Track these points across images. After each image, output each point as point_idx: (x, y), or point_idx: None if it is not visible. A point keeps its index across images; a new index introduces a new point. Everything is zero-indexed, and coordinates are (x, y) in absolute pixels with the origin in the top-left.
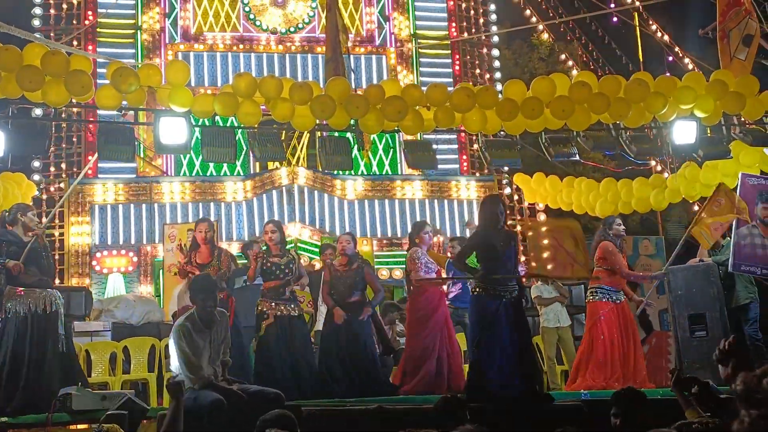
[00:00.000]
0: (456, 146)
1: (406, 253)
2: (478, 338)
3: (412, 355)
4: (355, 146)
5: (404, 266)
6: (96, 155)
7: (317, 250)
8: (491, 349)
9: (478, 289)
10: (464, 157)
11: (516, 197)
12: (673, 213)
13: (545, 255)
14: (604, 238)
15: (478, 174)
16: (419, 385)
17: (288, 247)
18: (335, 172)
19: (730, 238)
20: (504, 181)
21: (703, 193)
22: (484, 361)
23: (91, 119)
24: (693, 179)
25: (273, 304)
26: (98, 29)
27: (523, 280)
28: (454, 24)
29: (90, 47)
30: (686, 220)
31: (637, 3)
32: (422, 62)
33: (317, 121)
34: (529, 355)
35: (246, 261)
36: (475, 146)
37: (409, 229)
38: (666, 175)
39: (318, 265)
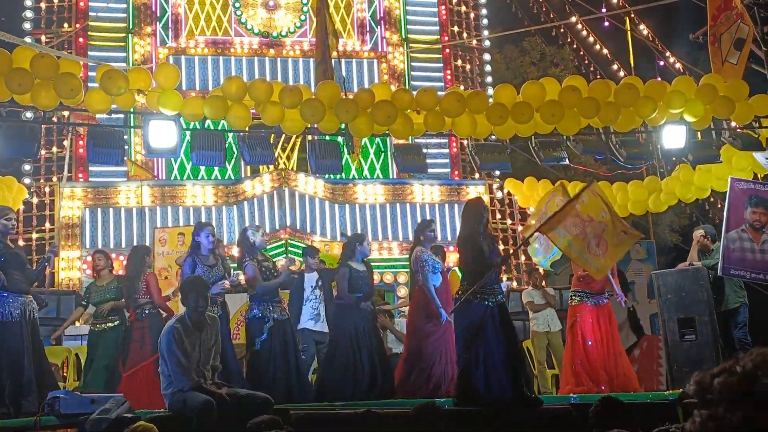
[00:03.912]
0: (447, 150)
1: (398, 257)
2: (468, 344)
3: (418, 359)
4: (345, 150)
5: (395, 270)
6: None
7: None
8: (478, 355)
9: (465, 295)
10: (455, 161)
11: (507, 201)
12: (664, 217)
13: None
14: None
15: (468, 178)
16: (432, 391)
17: (279, 247)
18: (326, 176)
19: (720, 242)
20: (495, 186)
21: (697, 195)
22: (473, 367)
23: (81, 122)
24: (687, 182)
25: (271, 307)
26: (89, 33)
27: (514, 284)
28: (445, 28)
29: (81, 51)
30: (678, 225)
31: (629, 7)
32: (413, 66)
33: (307, 125)
34: (517, 360)
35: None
36: (466, 150)
37: (399, 232)
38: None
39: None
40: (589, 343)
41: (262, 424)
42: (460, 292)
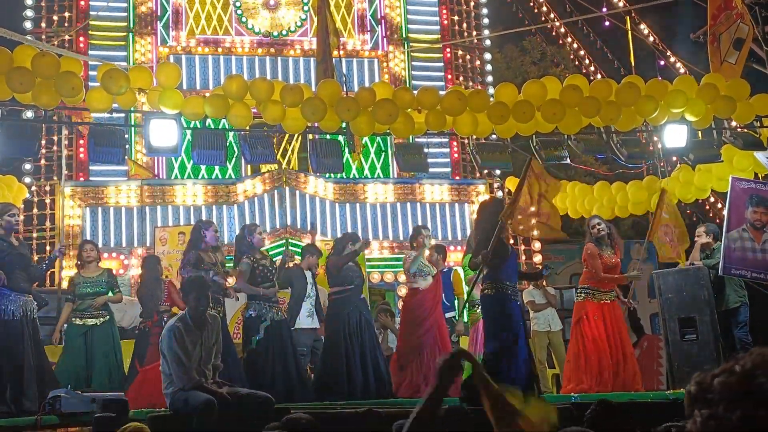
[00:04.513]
0: (447, 149)
1: (398, 256)
2: (502, 339)
3: (409, 357)
4: (346, 149)
5: (395, 270)
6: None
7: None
8: (504, 352)
9: (502, 289)
10: (456, 160)
11: (508, 200)
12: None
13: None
14: (588, 240)
15: (469, 177)
16: (411, 386)
17: (279, 246)
18: (327, 174)
19: (721, 241)
20: (495, 185)
21: (697, 195)
22: (498, 364)
23: (82, 121)
24: (687, 182)
25: (268, 307)
26: (90, 32)
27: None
28: (446, 27)
29: (81, 50)
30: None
31: (629, 7)
32: (414, 66)
33: (308, 124)
34: (532, 363)
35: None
36: (467, 149)
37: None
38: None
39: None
40: (593, 340)
41: (302, 421)
42: (486, 291)
